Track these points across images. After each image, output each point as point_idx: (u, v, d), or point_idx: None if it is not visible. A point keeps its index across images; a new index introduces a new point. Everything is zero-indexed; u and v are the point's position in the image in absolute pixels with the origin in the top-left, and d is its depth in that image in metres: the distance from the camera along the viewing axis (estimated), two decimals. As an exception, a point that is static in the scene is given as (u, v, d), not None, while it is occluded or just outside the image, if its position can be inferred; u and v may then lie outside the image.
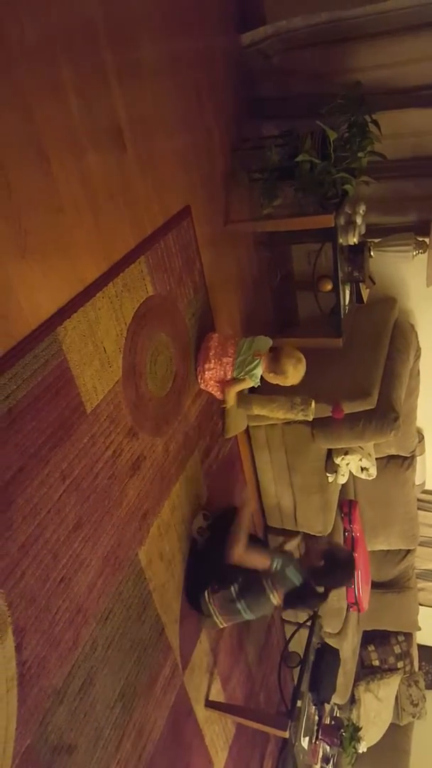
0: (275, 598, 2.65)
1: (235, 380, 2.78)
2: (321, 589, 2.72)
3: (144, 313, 2.34)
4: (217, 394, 2.91)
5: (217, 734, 3.31)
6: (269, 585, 2.65)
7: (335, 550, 2.82)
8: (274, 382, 2.78)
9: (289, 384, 2.75)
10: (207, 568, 2.76)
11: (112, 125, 2.10)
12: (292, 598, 2.66)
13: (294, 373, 2.71)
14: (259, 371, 2.74)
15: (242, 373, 2.74)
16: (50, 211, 1.82)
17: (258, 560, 2.71)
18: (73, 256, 1.93)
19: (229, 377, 2.78)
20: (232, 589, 2.69)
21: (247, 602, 2.67)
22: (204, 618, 2.80)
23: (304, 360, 2.72)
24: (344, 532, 4.04)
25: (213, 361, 2.74)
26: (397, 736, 5.52)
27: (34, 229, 1.75)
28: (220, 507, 3.05)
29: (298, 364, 2.70)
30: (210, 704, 3.16)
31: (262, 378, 2.79)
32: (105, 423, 2.16)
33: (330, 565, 2.69)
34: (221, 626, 2.79)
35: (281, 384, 2.76)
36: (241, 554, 2.64)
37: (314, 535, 3.06)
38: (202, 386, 2.86)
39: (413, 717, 5.61)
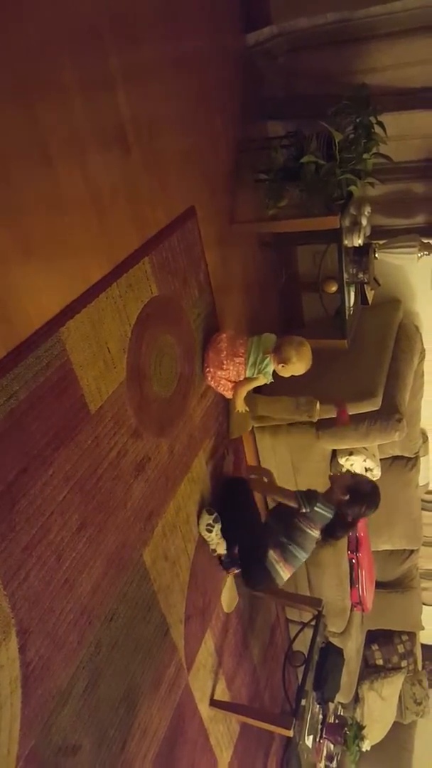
0: (315, 532, 2.82)
1: (247, 379, 2.82)
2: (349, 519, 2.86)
3: (148, 313, 2.34)
4: (227, 394, 2.92)
5: (222, 733, 3.32)
6: (305, 524, 2.82)
7: (359, 483, 2.88)
8: (287, 374, 2.78)
9: (301, 371, 2.75)
10: (251, 539, 2.96)
11: (116, 125, 2.09)
12: (327, 532, 2.84)
13: (298, 357, 2.71)
14: (270, 368, 2.78)
15: (255, 372, 2.79)
16: (54, 211, 1.82)
17: (288, 496, 2.90)
18: (76, 256, 1.93)
19: (242, 377, 2.82)
20: (281, 537, 2.88)
21: (296, 543, 2.85)
22: (265, 587, 2.96)
23: (306, 343, 2.73)
24: (349, 532, 4.04)
25: (226, 362, 2.77)
26: (400, 734, 5.53)
27: (37, 229, 1.75)
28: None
29: (299, 347, 2.71)
30: (215, 704, 3.16)
31: (274, 374, 2.81)
32: (109, 424, 2.16)
33: (355, 498, 2.79)
34: (285, 579, 2.93)
35: (295, 374, 2.77)
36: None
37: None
38: (212, 385, 2.87)
39: (416, 715, 5.62)
